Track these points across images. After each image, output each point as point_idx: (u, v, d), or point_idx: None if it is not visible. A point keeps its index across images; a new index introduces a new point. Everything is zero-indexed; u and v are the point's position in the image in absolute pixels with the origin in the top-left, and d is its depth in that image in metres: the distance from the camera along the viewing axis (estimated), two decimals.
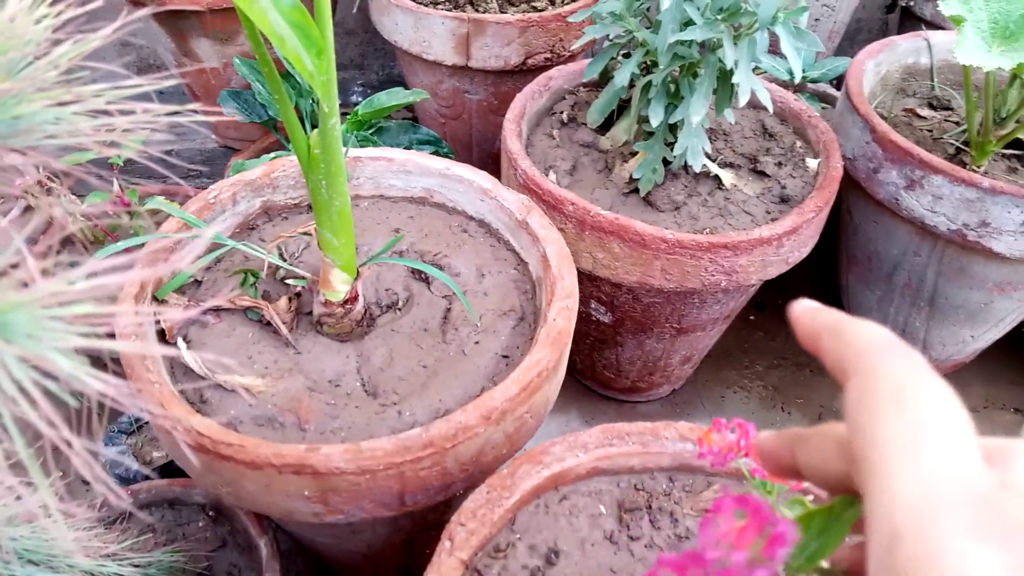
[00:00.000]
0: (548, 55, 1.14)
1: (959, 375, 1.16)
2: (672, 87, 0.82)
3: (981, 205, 0.84)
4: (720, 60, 0.74)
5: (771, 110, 0.83)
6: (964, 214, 0.85)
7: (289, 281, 0.70)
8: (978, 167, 0.94)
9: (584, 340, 1.02)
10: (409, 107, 1.48)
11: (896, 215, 0.92)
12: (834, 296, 1.19)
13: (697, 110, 0.76)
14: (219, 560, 0.73)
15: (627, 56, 0.86)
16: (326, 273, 0.65)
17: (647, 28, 0.81)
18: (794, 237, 0.81)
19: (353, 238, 0.64)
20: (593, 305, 0.93)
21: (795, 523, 0.22)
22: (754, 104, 1.00)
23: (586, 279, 0.88)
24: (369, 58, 1.58)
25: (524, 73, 1.13)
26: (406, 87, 1.14)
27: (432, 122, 1.29)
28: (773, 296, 1.26)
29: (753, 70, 1.15)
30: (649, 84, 0.81)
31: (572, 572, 0.53)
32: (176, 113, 0.32)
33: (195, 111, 0.34)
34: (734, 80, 0.71)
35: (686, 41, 0.76)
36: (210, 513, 0.75)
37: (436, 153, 1.05)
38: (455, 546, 0.52)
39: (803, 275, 1.30)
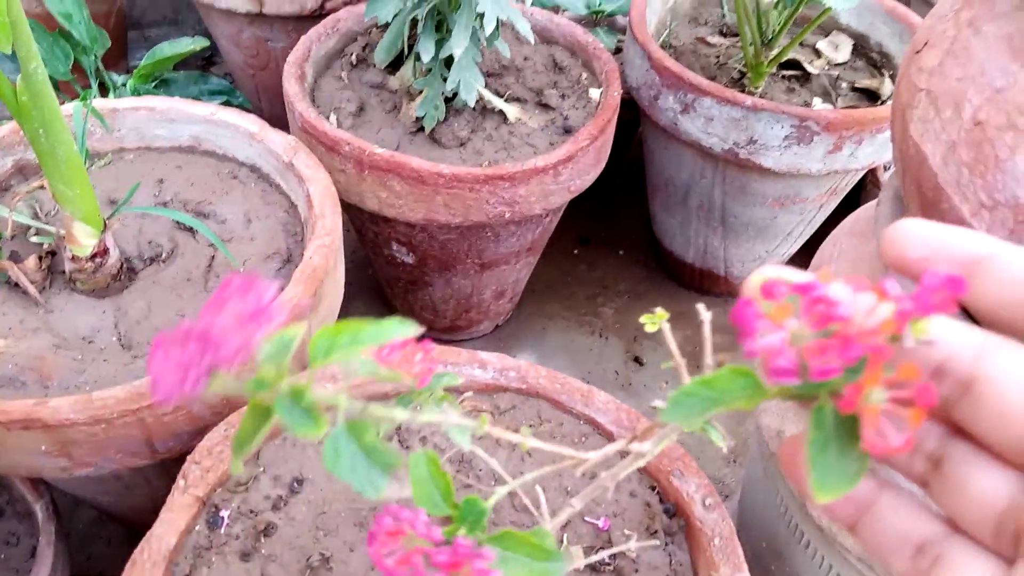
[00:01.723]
0: None
1: None
2: (442, 22, 0.82)
3: (747, 123, 0.88)
4: None
5: (531, 39, 0.84)
6: (734, 133, 0.90)
7: (36, 239, 0.68)
8: (756, 89, 0.99)
9: (397, 283, 1.02)
10: (217, 62, 1.43)
11: (678, 139, 0.96)
12: (649, 227, 1.24)
13: (459, 42, 0.76)
14: None
15: None
16: (69, 227, 0.63)
17: None
18: (571, 165, 0.84)
19: (90, 187, 0.62)
20: (395, 247, 0.94)
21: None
22: (547, 39, 1.02)
23: (381, 221, 0.89)
24: (183, 13, 1.51)
25: (324, 18, 1.11)
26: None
27: (242, 75, 1.25)
28: (597, 230, 1.30)
29: (555, 7, 1.16)
30: (415, 19, 0.81)
31: (316, 498, 0.55)
32: None
33: None
34: (478, 9, 0.72)
35: None
36: None
37: (228, 103, 1.03)
38: (189, 484, 0.52)
39: (624, 208, 1.34)
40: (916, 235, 0.21)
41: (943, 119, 0.43)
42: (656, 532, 0.55)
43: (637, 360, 1.13)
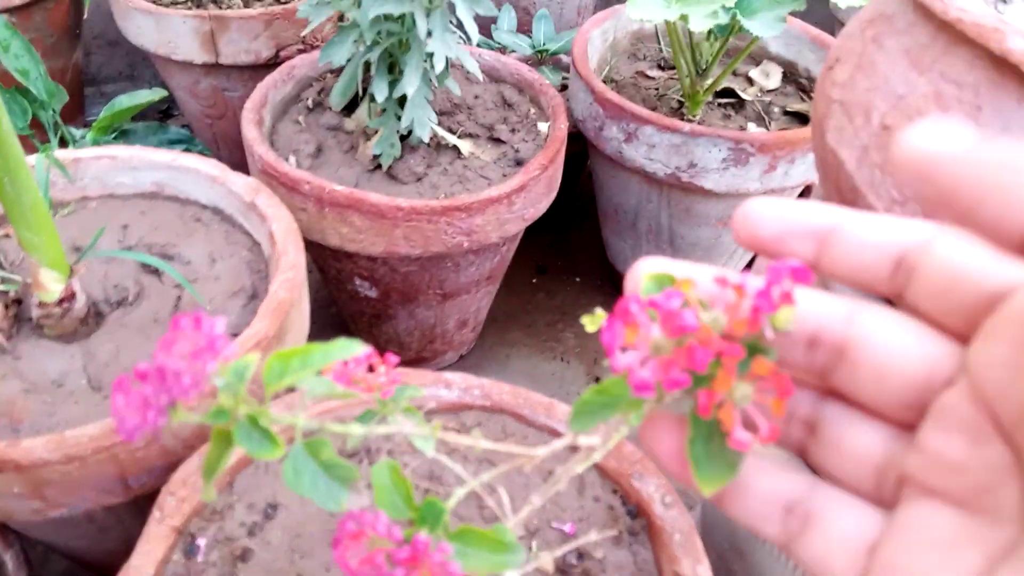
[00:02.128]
0: (301, 46, 1.16)
1: None
2: (394, 64, 0.86)
3: (686, 148, 0.93)
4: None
5: (479, 77, 0.89)
6: (675, 158, 0.95)
7: (2, 287, 0.69)
8: (694, 116, 1.05)
9: (361, 318, 1.05)
10: (175, 114, 1.45)
11: (624, 167, 1.00)
12: (603, 253, 1.28)
13: (411, 81, 0.80)
14: None
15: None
16: (35, 274, 0.65)
17: (358, 7, 0.85)
18: (524, 194, 0.88)
19: (55, 234, 0.63)
20: (358, 282, 0.96)
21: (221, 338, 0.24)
22: (496, 78, 1.06)
23: (343, 257, 0.91)
24: (139, 68, 1.54)
25: (279, 66, 1.14)
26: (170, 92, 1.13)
27: (200, 124, 1.27)
28: (554, 259, 1.34)
29: (502, 48, 1.21)
30: (368, 62, 0.84)
31: (291, 521, 0.56)
32: None
33: None
34: (428, 48, 0.76)
35: (392, 16, 0.80)
36: None
37: (187, 151, 1.05)
38: (165, 514, 0.54)
39: (578, 237, 1.39)
40: (766, 214, 0.22)
41: (855, 126, 0.48)
42: (620, 533, 0.57)
43: (598, 381, 1.15)
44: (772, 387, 0.21)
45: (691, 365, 0.20)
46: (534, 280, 1.31)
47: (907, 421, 0.22)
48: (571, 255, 1.35)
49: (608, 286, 1.30)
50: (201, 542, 0.54)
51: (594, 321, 0.34)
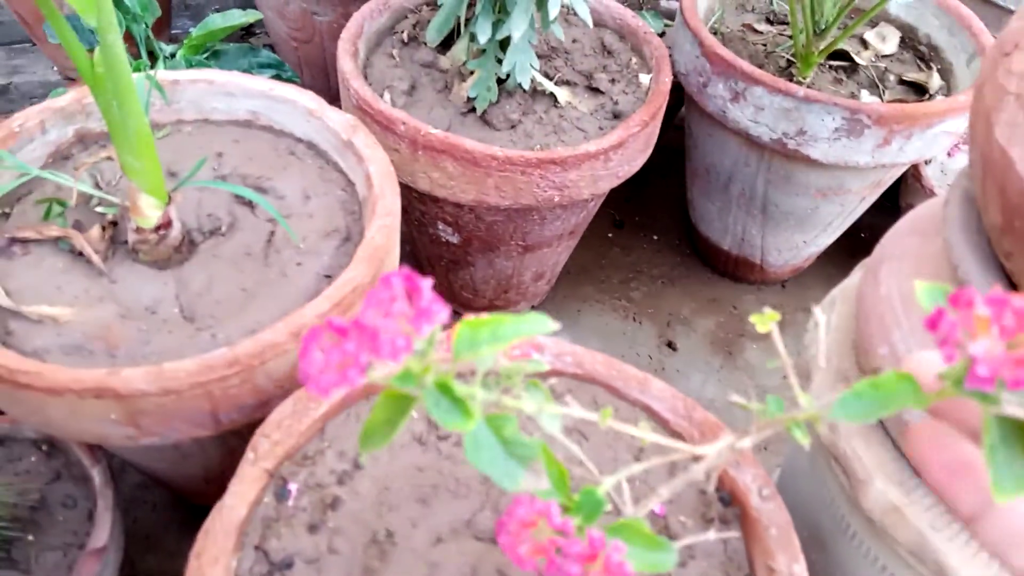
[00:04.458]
0: None
1: (799, 279, 1.24)
2: (499, 3, 0.82)
3: (797, 114, 0.88)
4: None
5: (590, 24, 0.84)
6: (783, 123, 0.89)
7: (100, 209, 0.69)
8: (804, 79, 0.99)
9: (439, 263, 1.03)
10: (258, 33, 1.43)
11: (725, 127, 0.95)
12: (684, 212, 1.24)
13: (518, 25, 0.76)
14: (54, 492, 0.72)
15: None
16: (134, 199, 0.64)
17: None
18: (621, 151, 0.84)
19: (157, 161, 0.62)
20: (440, 227, 0.94)
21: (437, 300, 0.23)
22: (597, 22, 1.01)
23: (429, 201, 0.89)
24: None
25: None
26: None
27: (285, 47, 1.25)
28: (631, 214, 1.31)
29: None
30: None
31: (380, 473, 0.56)
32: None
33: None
34: None
35: None
36: (43, 448, 0.74)
37: (278, 77, 1.03)
38: (259, 456, 0.53)
39: (658, 193, 1.34)
40: None
41: None
42: (712, 520, 0.56)
43: (670, 345, 1.13)
44: None
45: None
46: (610, 235, 1.27)
47: None
48: (650, 211, 1.31)
49: (686, 246, 1.27)
50: (292, 487, 0.53)
51: (764, 322, 0.32)
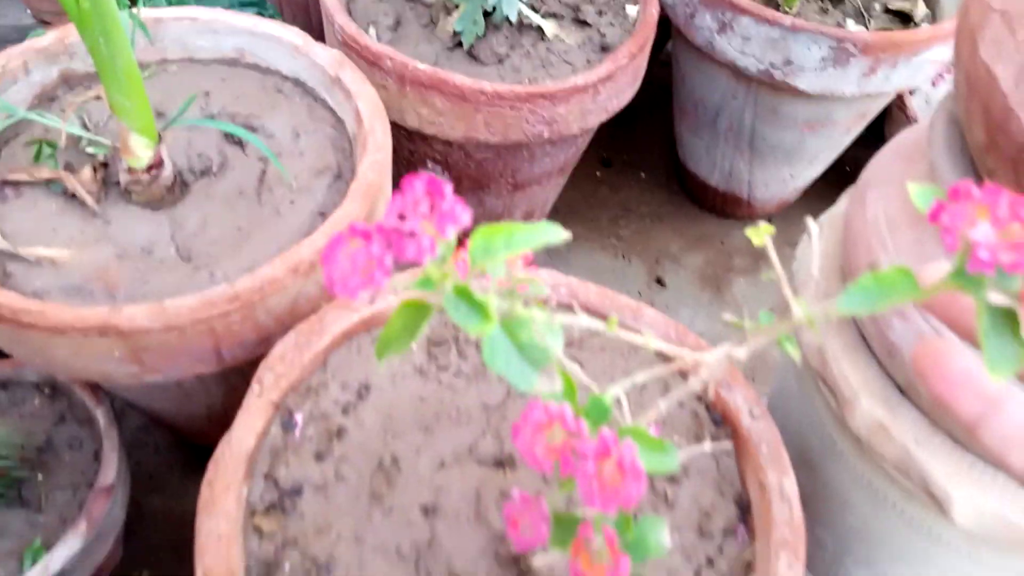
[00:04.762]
0: None
1: (786, 215, 1.25)
2: None
3: (784, 44, 0.88)
4: None
5: None
6: (770, 53, 0.90)
7: (90, 150, 0.68)
8: (790, 8, 0.98)
9: None
10: None
11: (713, 60, 0.95)
12: (672, 149, 1.24)
13: None
14: (58, 434, 0.73)
15: None
16: (125, 138, 0.64)
17: None
18: (610, 84, 0.84)
19: (146, 99, 0.62)
20: (429, 165, 0.94)
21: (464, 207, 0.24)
22: None
23: (418, 139, 0.89)
24: None
25: None
26: None
27: None
28: (619, 152, 1.31)
29: None
30: None
31: (383, 403, 0.57)
32: None
33: None
34: None
35: None
36: (45, 391, 0.75)
37: (259, 14, 1.01)
38: (264, 389, 0.55)
39: (646, 131, 1.34)
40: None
41: (1017, 40, 0.44)
42: (704, 440, 0.58)
43: (659, 281, 1.15)
44: None
45: None
46: (598, 174, 1.28)
47: None
48: (637, 150, 1.32)
49: (674, 183, 1.27)
50: (298, 417, 0.55)
51: (759, 234, 0.33)
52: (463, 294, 0.25)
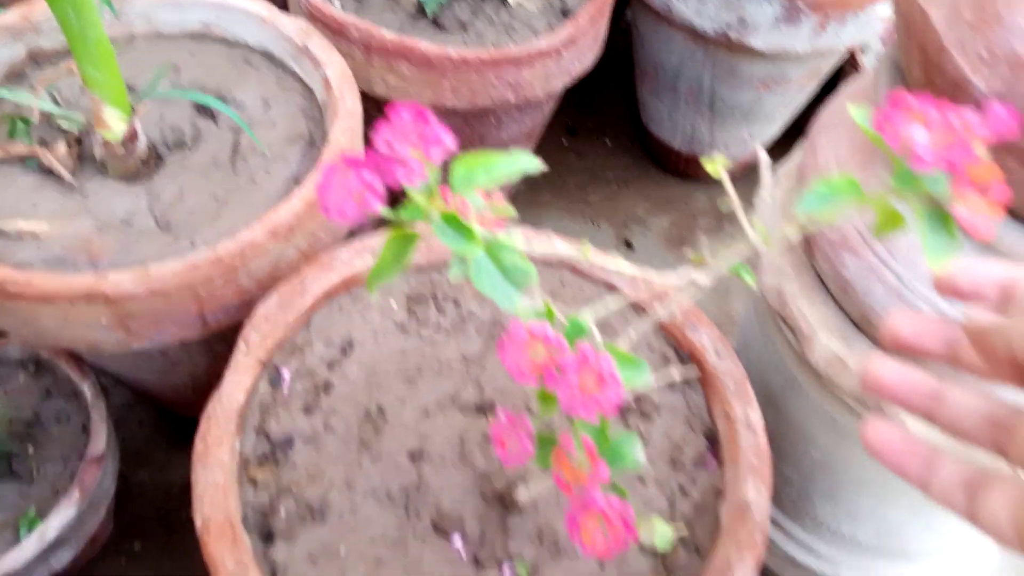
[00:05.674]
0: None
1: (747, 176, 1.28)
2: None
3: (738, 3, 0.91)
4: None
5: None
6: (725, 14, 0.92)
7: (64, 126, 0.69)
8: None
9: None
10: None
11: (670, 22, 0.98)
12: (636, 115, 1.27)
13: None
14: (45, 409, 0.75)
15: None
16: (99, 111, 0.65)
17: None
18: (572, 48, 0.86)
19: (118, 71, 0.63)
20: None
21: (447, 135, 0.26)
22: None
23: (386, 108, 0.90)
24: None
25: None
26: None
27: None
28: (584, 120, 1.33)
29: None
30: None
31: (366, 358, 0.60)
32: None
33: None
34: None
35: None
36: (30, 367, 0.76)
37: None
38: (251, 348, 0.57)
39: (609, 98, 1.37)
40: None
41: None
42: (673, 379, 0.61)
43: (628, 244, 1.18)
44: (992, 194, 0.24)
45: (961, 155, 0.23)
46: (564, 141, 1.30)
47: None
48: (602, 116, 1.34)
49: (638, 148, 1.30)
50: (286, 374, 0.57)
51: (714, 166, 0.36)
52: (451, 220, 0.28)
